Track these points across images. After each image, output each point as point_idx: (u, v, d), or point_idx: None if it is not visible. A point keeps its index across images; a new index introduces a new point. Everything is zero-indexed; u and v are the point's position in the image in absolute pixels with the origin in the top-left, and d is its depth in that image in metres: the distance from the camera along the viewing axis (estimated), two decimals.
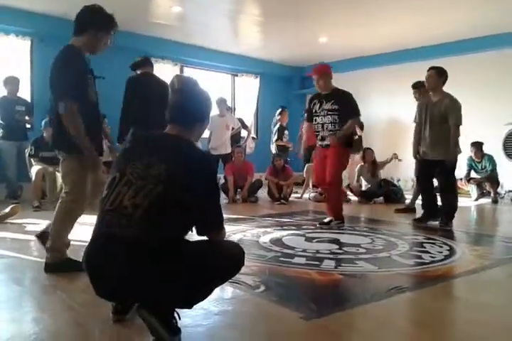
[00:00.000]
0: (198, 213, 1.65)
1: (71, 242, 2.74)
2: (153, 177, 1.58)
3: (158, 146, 1.71)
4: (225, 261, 1.67)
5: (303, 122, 8.56)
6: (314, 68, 4.38)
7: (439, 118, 4.25)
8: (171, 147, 1.70)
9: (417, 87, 5.04)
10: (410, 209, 5.29)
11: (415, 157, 4.59)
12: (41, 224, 4.21)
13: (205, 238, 1.73)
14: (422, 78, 4.52)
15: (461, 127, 4.26)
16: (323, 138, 4.24)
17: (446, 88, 4.37)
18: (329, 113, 4.18)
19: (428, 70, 4.38)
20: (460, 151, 4.43)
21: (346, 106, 4.14)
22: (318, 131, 4.28)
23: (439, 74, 4.28)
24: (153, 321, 1.53)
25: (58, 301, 2.12)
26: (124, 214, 1.55)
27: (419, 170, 4.60)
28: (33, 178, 5.29)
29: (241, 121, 7.55)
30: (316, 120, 4.27)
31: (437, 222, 4.43)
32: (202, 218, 1.69)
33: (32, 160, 5.48)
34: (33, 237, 3.59)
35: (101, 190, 3.06)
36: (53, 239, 2.62)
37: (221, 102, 6.62)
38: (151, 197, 1.55)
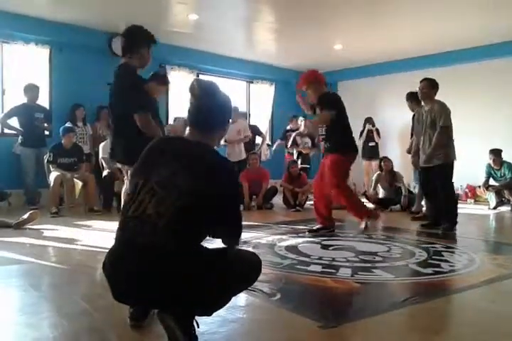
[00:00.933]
0: (220, 221, 1.65)
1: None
2: (177, 187, 1.55)
3: (181, 153, 1.66)
4: (245, 269, 1.67)
5: None
6: (300, 78, 4.37)
7: (431, 124, 4.49)
8: (195, 154, 1.65)
9: (408, 99, 5.48)
10: (426, 216, 5.22)
11: (416, 167, 4.94)
12: (59, 230, 4.28)
13: (221, 245, 1.73)
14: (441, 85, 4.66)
15: (452, 130, 4.50)
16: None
17: (465, 92, 4.51)
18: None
19: (421, 81, 4.65)
20: (455, 158, 4.56)
21: (324, 105, 4.19)
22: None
23: (432, 86, 4.56)
24: (175, 327, 1.52)
25: (76, 306, 2.14)
26: (148, 222, 1.53)
27: (422, 177, 4.79)
28: (51, 184, 5.36)
29: (255, 128, 7.56)
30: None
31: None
32: (223, 226, 1.68)
33: (50, 166, 5.56)
34: (50, 243, 3.66)
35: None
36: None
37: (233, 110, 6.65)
38: (176, 206, 1.53)
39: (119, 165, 3.14)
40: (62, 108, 6.36)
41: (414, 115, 5.26)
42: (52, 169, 5.54)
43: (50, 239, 3.86)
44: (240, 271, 1.64)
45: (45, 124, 5.95)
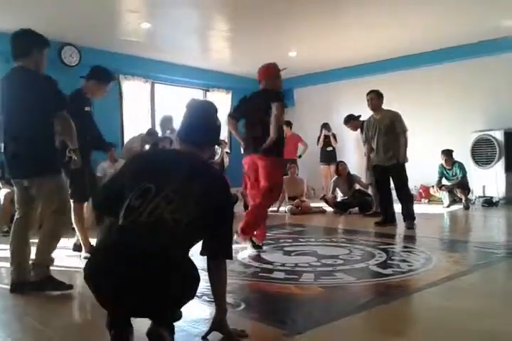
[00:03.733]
0: (218, 234, 1.76)
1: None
2: (192, 197, 1.65)
3: (186, 163, 1.77)
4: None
5: None
6: (262, 70, 4.14)
7: (385, 130, 4.89)
8: (197, 167, 1.78)
9: (347, 121, 6.25)
10: (377, 213, 5.56)
11: (368, 169, 5.37)
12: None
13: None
14: (392, 90, 5.17)
15: (408, 133, 4.90)
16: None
17: (418, 95, 4.62)
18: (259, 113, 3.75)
19: (368, 94, 5.07)
20: (407, 160, 4.93)
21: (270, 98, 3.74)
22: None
23: (379, 96, 5.01)
24: (168, 337, 1.56)
25: (29, 329, 2.03)
26: (163, 227, 1.57)
27: (377, 176, 5.14)
28: (1, 202, 5.12)
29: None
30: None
31: (395, 226, 4.94)
32: (221, 238, 1.78)
33: (0, 183, 5.31)
34: (1, 263, 3.47)
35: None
36: (41, 256, 2.63)
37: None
38: (191, 214, 1.62)
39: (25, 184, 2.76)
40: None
41: (362, 124, 5.63)
42: (1, 186, 5.29)
43: (1, 259, 3.67)
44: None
45: None
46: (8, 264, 3.43)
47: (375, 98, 4.98)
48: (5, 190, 5.19)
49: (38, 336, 1.95)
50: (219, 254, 1.78)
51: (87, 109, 3.53)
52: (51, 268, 2.70)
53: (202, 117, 1.90)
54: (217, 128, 1.97)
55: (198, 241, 1.75)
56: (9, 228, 5.01)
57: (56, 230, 2.72)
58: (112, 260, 1.50)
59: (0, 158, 5.57)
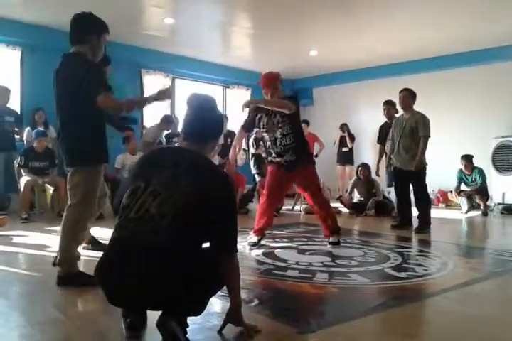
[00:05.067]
0: (218, 230, 1.70)
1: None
2: (179, 188, 1.62)
3: (180, 159, 1.75)
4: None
5: None
6: (262, 78, 3.94)
7: (409, 131, 4.80)
8: (193, 160, 1.76)
9: (387, 103, 5.81)
10: (394, 217, 5.54)
11: (388, 167, 5.30)
12: (30, 236, 4.16)
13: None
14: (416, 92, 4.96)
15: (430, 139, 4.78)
16: (280, 155, 3.77)
17: (439, 99, 4.58)
18: (279, 125, 3.69)
19: (401, 91, 4.95)
20: (426, 163, 4.86)
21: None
22: (269, 148, 3.84)
23: (412, 95, 4.87)
24: (178, 331, 1.56)
25: (47, 315, 2.07)
26: (151, 221, 1.58)
27: (396, 180, 5.08)
28: (22, 189, 5.21)
29: (232, 133, 7.54)
30: (265, 137, 3.82)
31: (413, 229, 4.85)
32: (222, 235, 1.73)
33: (21, 170, 5.41)
34: (20, 249, 3.55)
35: (104, 201, 3.03)
36: (62, 252, 2.59)
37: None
38: (178, 207, 1.59)
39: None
40: (33, 112, 6.20)
41: (384, 123, 5.78)
42: (23, 173, 5.39)
43: (20, 245, 3.74)
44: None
45: (16, 128, 5.79)
46: (28, 250, 3.52)
47: (408, 96, 4.85)
48: (26, 178, 5.29)
49: (59, 326, 1.98)
50: (223, 249, 1.76)
51: None
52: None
53: (202, 112, 1.90)
54: (219, 121, 1.96)
55: (205, 237, 1.70)
56: (28, 215, 5.12)
57: (74, 223, 2.63)
58: (112, 258, 1.60)
59: (20, 145, 5.74)
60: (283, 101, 3.64)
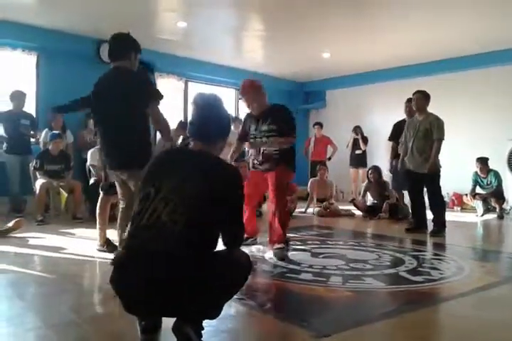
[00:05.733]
0: (227, 226, 1.70)
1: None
2: (189, 193, 1.61)
3: (188, 161, 1.75)
4: (241, 268, 1.74)
5: (309, 138, 8.65)
6: (242, 86, 3.90)
7: (423, 133, 4.75)
8: (201, 161, 1.74)
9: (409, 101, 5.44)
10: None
11: (402, 168, 5.11)
12: (45, 238, 4.20)
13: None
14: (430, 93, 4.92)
15: (443, 142, 4.72)
16: (261, 164, 3.77)
17: (454, 100, 4.56)
18: (267, 134, 3.68)
19: (414, 94, 4.91)
20: (440, 166, 4.81)
21: (283, 125, 3.66)
22: (253, 154, 3.86)
23: (426, 97, 4.84)
24: (193, 335, 1.57)
25: (63, 317, 2.09)
26: (163, 229, 1.56)
27: (410, 183, 5.01)
28: (37, 192, 5.28)
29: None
30: (252, 142, 3.84)
31: (428, 232, 4.80)
32: (230, 231, 1.73)
33: (37, 173, 5.48)
34: (36, 251, 3.59)
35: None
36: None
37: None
38: (190, 213, 1.58)
39: (122, 176, 2.98)
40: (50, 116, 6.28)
41: (397, 123, 5.73)
42: (38, 176, 5.46)
43: (35, 247, 3.78)
44: (238, 271, 1.70)
45: (31, 131, 5.87)
46: (43, 252, 3.56)
47: (421, 98, 4.82)
48: (41, 181, 5.35)
49: (74, 328, 2.00)
50: (228, 245, 1.76)
51: None
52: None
53: (209, 111, 1.87)
54: (225, 120, 1.93)
55: (216, 237, 1.69)
56: (44, 217, 5.18)
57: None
58: (127, 266, 1.59)
59: (36, 148, 5.82)
60: (282, 139, 3.59)
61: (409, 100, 5.53)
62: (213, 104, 1.89)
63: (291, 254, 3.61)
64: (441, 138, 4.69)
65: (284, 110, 3.82)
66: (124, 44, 3.10)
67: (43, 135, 5.99)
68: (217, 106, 1.90)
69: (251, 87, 3.84)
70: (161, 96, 2.96)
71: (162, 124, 3.02)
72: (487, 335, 1.96)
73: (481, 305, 2.45)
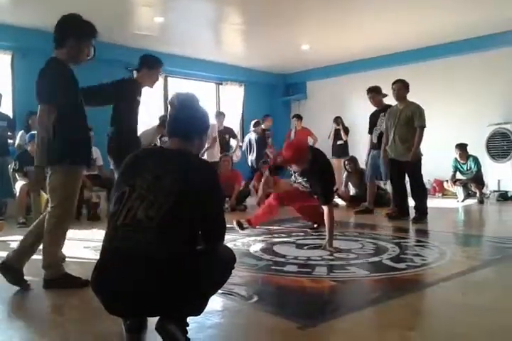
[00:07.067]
0: (206, 223, 1.70)
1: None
2: (163, 189, 1.61)
3: (163, 159, 1.75)
4: (224, 263, 1.77)
5: (289, 130, 8.69)
6: (286, 153, 3.52)
7: (404, 121, 4.80)
8: (177, 158, 1.75)
9: (371, 90, 5.64)
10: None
11: (385, 163, 5.16)
12: None
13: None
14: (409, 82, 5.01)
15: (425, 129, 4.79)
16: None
17: (432, 89, 4.62)
18: (303, 186, 3.98)
19: (394, 83, 4.96)
20: (421, 154, 4.87)
21: (316, 188, 3.66)
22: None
23: (405, 86, 4.91)
24: (178, 333, 1.56)
25: (47, 320, 2.07)
26: (139, 227, 1.56)
27: (391, 171, 5.05)
28: (18, 194, 5.19)
29: (231, 130, 7.59)
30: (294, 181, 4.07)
31: (410, 219, 4.90)
32: (210, 228, 1.73)
33: (16, 175, 5.39)
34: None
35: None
36: (46, 256, 2.58)
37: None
38: (165, 208, 1.58)
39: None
40: (26, 116, 6.17)
41: (374, 112, 5.67)
42: (18, 178, 5.37)
43: None
44: (221, 266, 1.73)
45: (9, 133, 5.76)
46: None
47: (401, 87, 4.88)
48: (21, 182, 5.27)
49: (59, 329, 1.98)
50: (213, 241, 1.76)
51: (139, 98, 3.57)
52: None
53: (185, 109, 1.90)
54: (201, 118, 1.93)
55: (196, 234, 1.68)
56: (25, 220, 5.10)
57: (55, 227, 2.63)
58: (106, 267, 1.58)
59: (14, 150, 5.71)
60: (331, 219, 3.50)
61: (369, 90, 5.63)
62: (189, 103, 1.93)
63: (275, 247, 3.63)
64: (423, 126, 4.76)
65: (322, 172, 3.61)
66: (58, 29, 2.59)
67: (19, 137, 5.88)
68: (192, 104, 1.93)
69: (296, 158, 3.50)
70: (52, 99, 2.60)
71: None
72: (470, 318, 2.00)
73: (465, 289, 2.50)
